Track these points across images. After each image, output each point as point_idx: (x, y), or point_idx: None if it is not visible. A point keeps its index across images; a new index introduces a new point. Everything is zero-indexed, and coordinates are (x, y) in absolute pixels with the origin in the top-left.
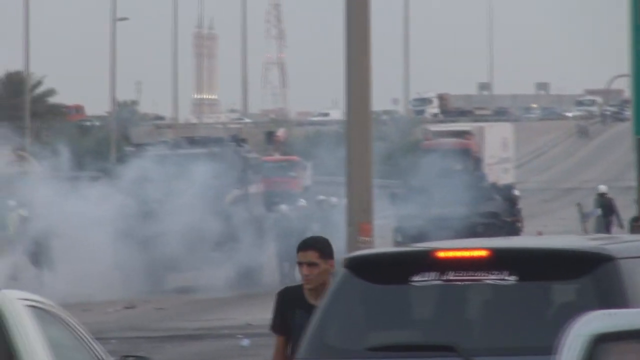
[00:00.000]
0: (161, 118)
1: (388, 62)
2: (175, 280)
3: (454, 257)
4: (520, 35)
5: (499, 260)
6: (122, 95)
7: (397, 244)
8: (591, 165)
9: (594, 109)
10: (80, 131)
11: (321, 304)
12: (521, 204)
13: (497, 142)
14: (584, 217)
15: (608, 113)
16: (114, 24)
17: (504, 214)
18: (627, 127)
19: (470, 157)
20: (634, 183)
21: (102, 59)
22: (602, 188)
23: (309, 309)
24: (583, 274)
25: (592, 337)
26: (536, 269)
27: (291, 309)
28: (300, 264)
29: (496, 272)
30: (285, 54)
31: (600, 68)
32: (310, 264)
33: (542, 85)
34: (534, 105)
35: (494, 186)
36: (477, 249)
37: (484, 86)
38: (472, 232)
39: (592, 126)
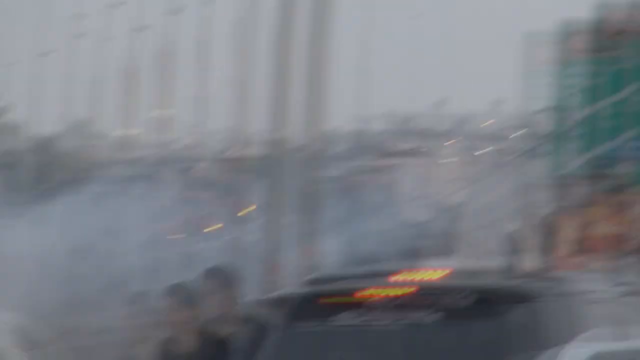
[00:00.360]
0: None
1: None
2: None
3: (379, 296)
4: (476, 54)
5: (424, 297)
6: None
7: (335, 269)
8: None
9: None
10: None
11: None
12: (462, 226)
13: (447, 162)
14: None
15: None
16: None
17: (447, 237)
18: None
19: (416, 177)
20: None
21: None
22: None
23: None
24: (507, 312)
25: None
26: (464, 305)
27: None
28: None
29: (421, 310)
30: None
31: None
32: None
33: (497, 102)
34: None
35: (438, 207)
36: (401, 286)
37: (439, 104)
38: (415, 253)
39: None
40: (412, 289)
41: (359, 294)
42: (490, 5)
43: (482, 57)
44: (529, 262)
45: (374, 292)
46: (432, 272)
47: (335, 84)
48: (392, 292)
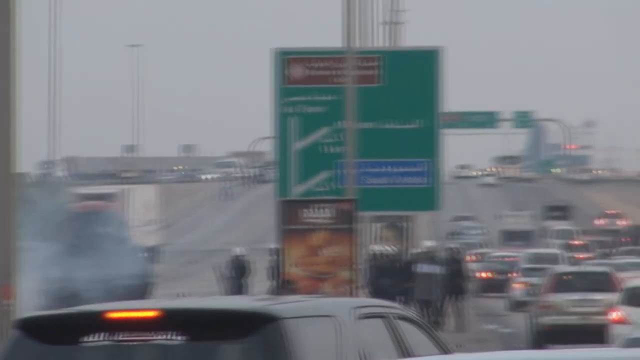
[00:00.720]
0: None
1: (35, 123)
2: None
3: (124, 318)
4: (166, 97)
5: (169, 320)
6: None
7: (43, 307)
8: (234, 227)
9: (233, 170)
10: None
11: None
12: (165, 266)
13: (142, 204)
14: (222, 279)
15: (250, 175)
16: None
17: (146, 276)
18: (269, 188)
19: (116, 220)
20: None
21: None
22: (237, 250)
23: None
24: (249, 333)
25: None
26: (205, 329)
27: None
28: None
29: (165, 332)
30: None
31: (245, 131)
32: None
33: (188, 148)
34: (179, 167)
35: (139, 248)
36: (146, 309)
37: (130, 148)
38: (118, 293)
39: (235, 188)
40: (159, 312)
41: (107, 315)
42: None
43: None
44: (258, 284)
45: (122, 314)
46: (148, 312)
47: (23, 129)
48: (140, 314)
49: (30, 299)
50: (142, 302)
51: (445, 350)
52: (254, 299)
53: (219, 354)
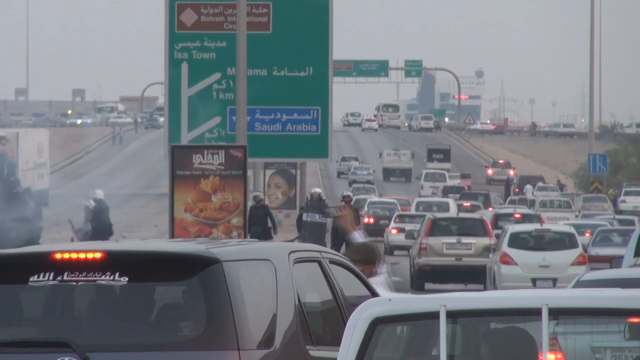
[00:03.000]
0: None
1: None
2: None
3: (69, 259)
4: (58, 41)
5: (112, 262)
6: None
7: None
8: (125, 172)
9: (114, 115)
10: None
11: None
12: (54, 210)
13: (32, 148)
14: (77, 232)
15: (141, 120)
16: None
17: (36, 220)
18: (160, 134)
19: (5, 162)
20: (166, 190)
21: None
22: (99, 193)
23: None
24: (191, 275)
25: (372, 320)
26: (147, 270)
27: None
28: None
29: (109, 273)
30: None
31: (136, 75)
32: None
33: (79, 92)
34: (70, 112)
35: (28, 191)
36: (90, 251)
37: (21, 92)
38: (5, 237)
39: (126, 133)
40: (104, 254)
41: (53, 256)
42: None
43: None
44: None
45: (67, 255)
46: (93, 253)
47: None
48: (84, 255)
49: None
50: (87, 243)
51: (373, 292)
52: (195, 242)
53: (161, 294)
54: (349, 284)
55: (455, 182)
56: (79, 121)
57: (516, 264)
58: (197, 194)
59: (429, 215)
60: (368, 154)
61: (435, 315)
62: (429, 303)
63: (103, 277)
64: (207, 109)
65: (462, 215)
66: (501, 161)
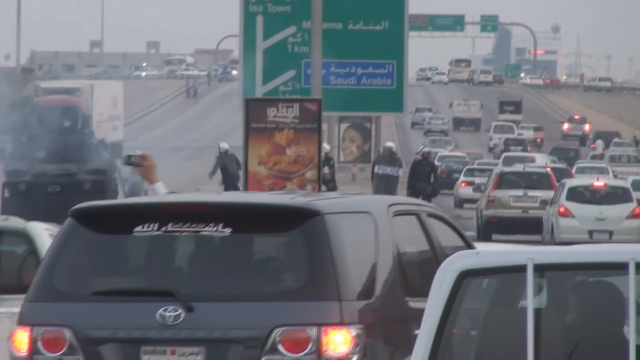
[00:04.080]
0: None
1: (0, 16)
2: None
3: (174, 210)
4: None
5: (216, 213)
6: None
7: (4, 199)
8: (199, 125)
9: (179, 67)
10: None
11: (49, 250)
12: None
13: (107, 100)
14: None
15: (215, 73)
16: None
17: (110, 171)
18: (234, 87)
19: (79, 114)
20: (240, 142)
21: None
22: (224, 146)
23: None
24: (292, 227)
25: (460, 272)
26: (250, 222)
27: None
28: None
29: (212, 224)
30: None
31: (211, 28)
32: None
33: (153, 44)
34: (144, 64)
35: (102, 143)
36: (196, 202)
37: (95, 44)
38: (80, 188)
39: (199, 86)
40: (209, 205)
41: (158, 207)
42: None
43: None
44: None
45: (173, 206)
46: (197, 205)
47: None
48: (190, 206)
49: None
50: (191, 195)
51: (469, 245)
52: (296, 194)
53: (264, 245)
54: (446, 237)
55: (529, 133)
56: (143, 74)
57: (574, 216)
58: (271, 147)
59: (496, 168)
60: (441, 106)
61: (522, 269)
62: (517, 256)
63: (207, 228)
64: (282, 62)
65: (529, 169)
66: (577, 117)
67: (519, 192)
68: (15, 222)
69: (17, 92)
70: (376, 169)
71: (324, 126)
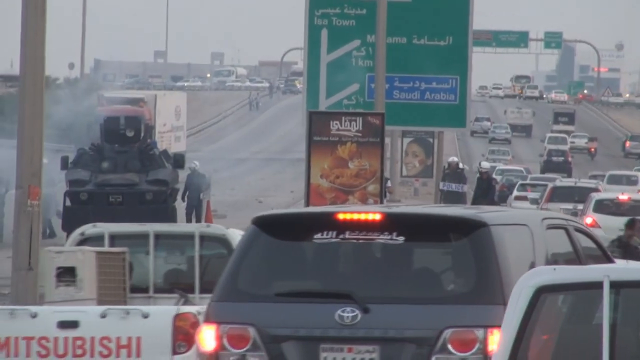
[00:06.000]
0: None
1: (65, 25)
2: None
3: (351, 219)
4: (196, 5)
5: (390, 222)
6: None
7: (66, 208)
8: (262, 137)
9: (230, 79)
10: None
11: (233, 254)
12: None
13: (170, 111)
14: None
15: (280, 86)
16: None
17: (172, 182)
18: (297, 99)
19: (142, 124)
20: (302, 155)
21: None
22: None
23: None
24: (461, 237)
25: (537, 288)
26: (421, 231)
27: None
28: None
29: (387, 233)
30: None
31: (276, 40)
32: None
33: (217, 55)
34: (209, 75)
35: (165, 154)
36: (371, 212)
37: (160, 54)
38: (141, 198)
39: (262, 98)
40: (383, 215)
41: (336, 216)
42: None
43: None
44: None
45: (350, 216)
46: (373, 215)
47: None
48: (366, 216)
49: (52, 201)
50: (365, 206)
51: (610, 259)
52: (462, 207)
53: (433, 253)
54: (589, 249)
55: (581, 141)
56: (185, 84)
57: (600, 226)
58: (334, 160)
59: (551, 183)
60: (497, 115)
61: (598, 285)
62: (593, 273)
63: (381, 236)
64: (346, 75)
65: (580, 184)
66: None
67: (569, 206)
68: (215, 228)
69: (80, 102)
70: (441, 185)
71: (387, 140)
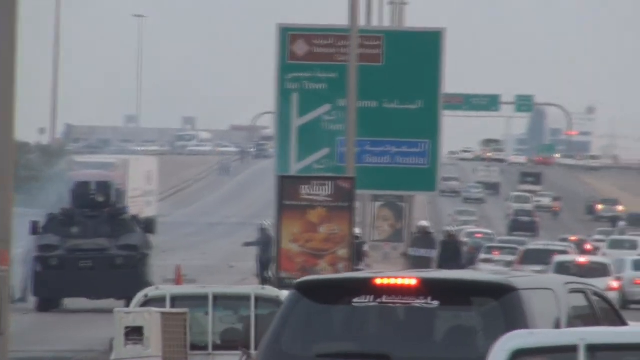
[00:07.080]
0: None
1: (36, 91)
2: None
3: (388, 284)
4: (169, 69)
5: (425, 288)
6: None
7: (36, 273)
8: (233, 201)
9: (189, 143)
10: None
11: (275, 317)
12: (162, 238)
13: (141, 175)
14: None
15: (251, 151)
16: None
17: (142, 247)
18: (268, 164)
19: (113, 189)
20: (274, 220)
21: None
22: (264, 224)
23: None
24: (492, 300)
25: (513, 352)
26: (454, 296)
27: None
28: None
29: (422, 297)
30: None
31: (247, 105)
32: None
33: (189, 120)
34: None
35: (135, 219)
36: (407, 277)
37: (131, 118)
38: (112, 263)
39: (232, 163)
40: (419, 281)
41: (374, 281)
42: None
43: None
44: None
45: (388, 281)
46: (409, 280)
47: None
48: (402, 281)
49: (21, 266)
50: (402, 272)
51: (623, 322)
52: (491, 273)
53: (467, 317)
54: (605, 312)
55: (546, 200)
56: (140, 148)
57: None
58: (304, 224)
59: (520, 246)
60: (466, 174)
61: (574, 349)
62: (569, 337)
63: (417, 300)
64: (316, 139)
65: (550, 246)
66: (609, 198)
67: (540, 267)
68: (270, 290)
69: (51, 167)
70: (410, 251)
71: (358, 204)
